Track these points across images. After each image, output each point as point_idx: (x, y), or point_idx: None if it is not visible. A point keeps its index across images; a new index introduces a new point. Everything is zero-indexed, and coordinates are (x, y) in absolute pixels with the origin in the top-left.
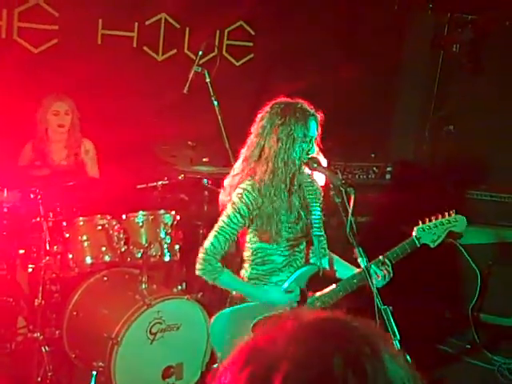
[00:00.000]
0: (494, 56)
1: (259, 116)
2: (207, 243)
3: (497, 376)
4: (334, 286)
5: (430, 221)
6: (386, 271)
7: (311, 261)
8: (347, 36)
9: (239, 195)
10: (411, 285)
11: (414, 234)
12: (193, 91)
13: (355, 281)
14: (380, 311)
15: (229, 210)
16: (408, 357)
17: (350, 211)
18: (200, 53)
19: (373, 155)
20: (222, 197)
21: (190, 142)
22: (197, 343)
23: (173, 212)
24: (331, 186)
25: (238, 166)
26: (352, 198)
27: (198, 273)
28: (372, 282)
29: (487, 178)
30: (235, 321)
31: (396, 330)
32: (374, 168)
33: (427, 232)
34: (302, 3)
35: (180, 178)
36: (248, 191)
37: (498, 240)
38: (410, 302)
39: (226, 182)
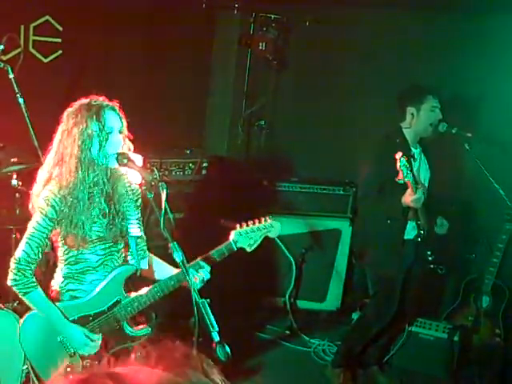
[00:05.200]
0: (296, 53)
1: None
2: (19, 252)
3: (313, 357)
4: (150, 286)
5: (248, 225)
6: (202, 274)
7: (130, 262)
8: (157, 34)
9: (45, 198)
10: (229, 276)
11: (231, 237)
12: None
13: (172, 282)
14: (198, 304)
15: (37, 216)
16: (227, 347)
17: (163, 207)
18: (1, 47)
19: (188, 151)
20: (30, 206)
21: None
22: (13, 355)
23: None
24: (143, 181)
25: (41, 173)
26: (164, 193)
27: (9, 283)
28: (188, 276)
29: (297, 171)
30: (46, 321)
31: (214, 321)
32: (190, 164)
33: (244, 236)
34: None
35: None
36: (53, 193)
37: (309, 229)
38: (228, 293)
39: (33, 190)
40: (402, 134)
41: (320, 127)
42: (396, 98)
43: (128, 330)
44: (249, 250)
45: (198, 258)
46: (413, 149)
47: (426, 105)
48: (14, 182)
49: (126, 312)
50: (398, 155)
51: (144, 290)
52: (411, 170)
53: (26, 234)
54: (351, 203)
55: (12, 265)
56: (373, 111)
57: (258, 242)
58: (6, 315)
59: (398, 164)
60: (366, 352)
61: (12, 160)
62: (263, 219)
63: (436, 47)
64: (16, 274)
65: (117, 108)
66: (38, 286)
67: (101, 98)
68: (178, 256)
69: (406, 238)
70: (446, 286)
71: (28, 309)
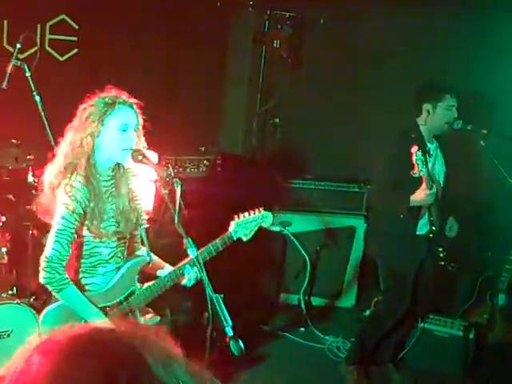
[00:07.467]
0: (311, 50)
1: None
2: (49, 250)
3: (327, 354)
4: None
5: (244, 216)
6: (197, 272)
7: (139, 252)
8: (172, 32)
9: (69, 194)
10: (244, 273)
11: (231, 228)
12: (15, 87)
13: (181, 271)
14: (211, 300)
15: (62, 212)
16: (241, 342)
17: (178, 203)
18: (18, 46)
19: (202, 149)
20: (44, 199)
21: (14, 140)
22: None
23: None
24: (158, 177)
25: (58, 163)
26: (178, 189)
27: (42, 281)
28: (203, 271)
29: (312, 168)
30: (65, 315)
31: (228, 316)
32: (205, 161)
33: (242, 226)
34: None
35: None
36: (77, 189)
37: (323, 226)
38: (243, 289)
39: (47, 180)
40: (418, 129)
41: (334, 124)
42: (413, 93)
43: (140, 318)
44: (245, 239)
45: (202, 248)
46: (428, 144)
47: (443, 103)
48: (31, 178)
49: (140, 301)
50: (414, 149)
51: (154, 281)
52: (426, 165)
53: (54, 232)
54: (366, 200)
55: (43, 263)
56: (388, 109)
57: (253, 232)
58: (23, 311)
59: (414, 157)
60: (379, 349)
61: (28, 157)
62: (256, 210)
63: (451, 45)
64: (49, 273)
65: (134, 105)
66: (71, 282)
67: (113, 92)
68: (192, 252)
69: (418, 233)
70: (459, 283)
71: (45, 304)
